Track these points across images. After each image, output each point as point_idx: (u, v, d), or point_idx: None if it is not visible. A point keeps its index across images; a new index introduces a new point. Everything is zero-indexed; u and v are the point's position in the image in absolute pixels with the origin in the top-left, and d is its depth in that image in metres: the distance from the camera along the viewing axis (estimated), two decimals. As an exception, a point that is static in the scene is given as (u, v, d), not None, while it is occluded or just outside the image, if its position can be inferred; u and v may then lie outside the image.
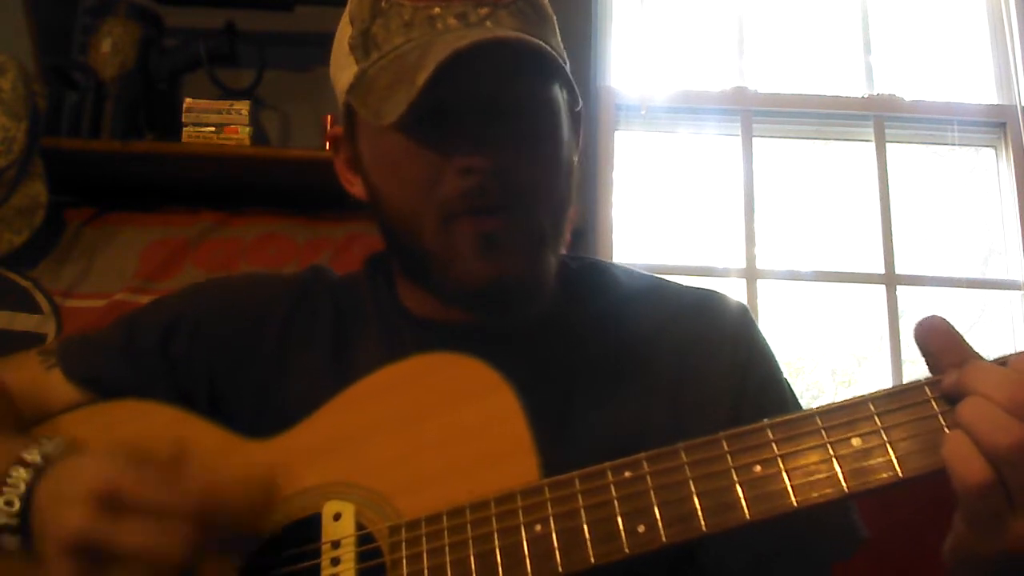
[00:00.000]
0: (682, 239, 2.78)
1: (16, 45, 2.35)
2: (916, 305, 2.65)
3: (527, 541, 0.71)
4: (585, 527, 0.70)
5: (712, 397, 0.95)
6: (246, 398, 0.98)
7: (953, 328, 0.66)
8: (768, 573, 0.91)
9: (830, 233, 2.79)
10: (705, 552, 0.89)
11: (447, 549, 0.74)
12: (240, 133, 2.31)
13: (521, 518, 0.72)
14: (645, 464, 0.70)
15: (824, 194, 2.85)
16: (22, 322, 2.26)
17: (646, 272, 1.09)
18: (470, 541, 0.73)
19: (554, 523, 0.71)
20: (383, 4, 0.89)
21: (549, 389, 0.91)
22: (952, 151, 2.83)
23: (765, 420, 0.69)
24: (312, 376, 0.97)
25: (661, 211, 2.80)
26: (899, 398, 0.66)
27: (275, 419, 0.90)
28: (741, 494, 0.66)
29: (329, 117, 2.29)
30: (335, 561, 0.78)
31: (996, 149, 2.79)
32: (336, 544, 0.79)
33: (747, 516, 0.66)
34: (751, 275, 2.64)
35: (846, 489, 0.64)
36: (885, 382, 2.41)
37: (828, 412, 0.68)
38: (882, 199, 2.69)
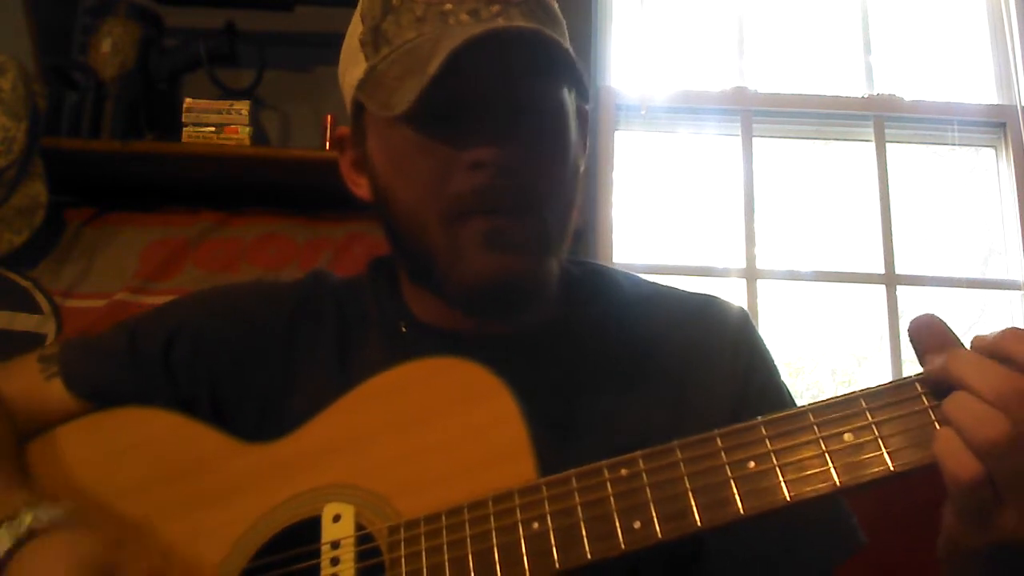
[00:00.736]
0: (682, 239, 2.78)
1: (16, 45, 2.36)
2: (916, 305, 2.65)
3: (524, 539, 0.71)
4: (582, 524, 0.70)
5: (713, 402, 0.95)
6: (249, 405, 0.98)
7: (946, 325, 0.67)
8: None
9: (830, 233, 2.79)
10: (706, 556, 0.89)
11: (445, 548, 0.74)
12: (240, 133, 2.32)
13: (519, 516, 0.73)
14: (641, 462, 0.71)
15: (824, 194, 2.85)
16: (22, 322, 2.27)
17: (646, 277, 1.09)
18: (468, 540, 0.74)
19: (551, 521, 0.71)
20: (394, 1, 0.89)
21: (552, 394, 0.91)
22: (952, 151, 2.83)
23: (759, 417, 0.69)
24: (316, 381, 0.97)
25: (661, 211, 2.81)
26: (890, 394, 0.67)
27: (279, 425, 0.91)
28: (735, 490, 0.67)
29: (329, 117, 2.30)
30: (334, 561, 0.79)
31: (996, 149, 2.80)
32: (336, 544, 0.79)
33: (741, 511, 0.66)
34: (751, 275, 2.64)
35: (838, 484, 0.65)
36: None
37: (820, 409, 0.68)
38: (882, 199, 2.69)
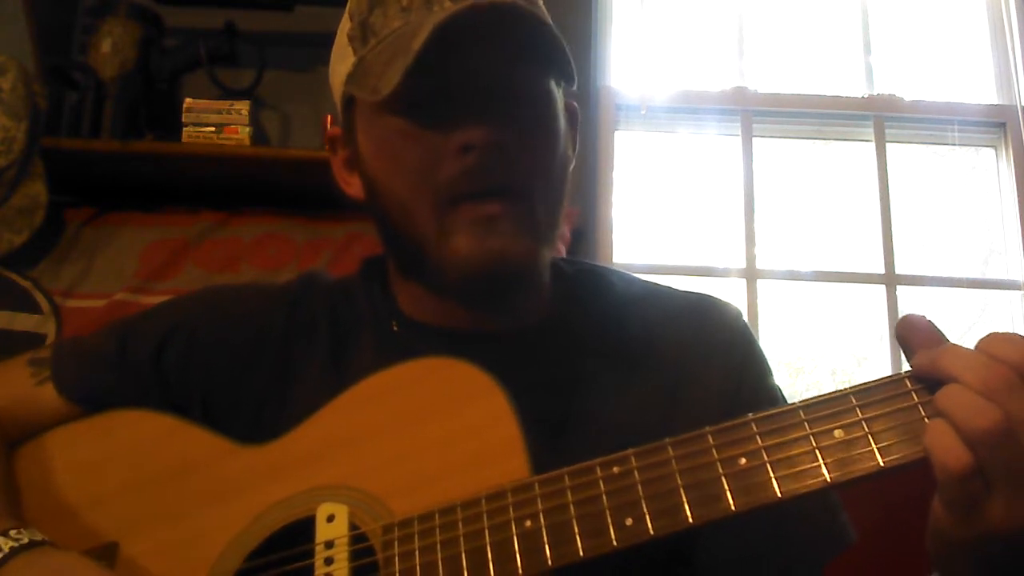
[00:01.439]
0: (682, 239, 2.78)
1: (16, 45, 2.36)
2: (916, 305, 2.65)
3: (517, 536, 0.72)
4: (574, 521, 0.70)
5: (706, 401, 0.95)
6: (243, 408, 0.98)
7: (933, 325, 0.67)
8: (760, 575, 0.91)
9: (830, 233, 2.79)
10: (698, 555, 0.90)
11: (439, 546, 0.74)
12: (240, 133, 2.32)
13: (511, 514, 0.73)
14: (633, 459, 0.71)
15: (824, 194, 2.85)
16: (22, 322, 2.27)
17: (646, 277, 1.09)
18: (461, 538, 0.74)
19: (544, 518, 0.71)
20: None
21: (544, 393, 0.91)
22: (952, 151, 2.83)
23: (750, 414, 0.70)
24: (310, 383, 0.97)
25: (661, 211, 2.81)
26: (880, 391, 0.67)
27: (273, 427, 0.91)
28: (727, 486, 0.67)
29: (329, 117, 2.29)
30: (328, 561, 0.79)
31: (996, 149, 2.80)
32: (330, 544, 0.79)
33: (732, 507, 0.66)
34: (751, 275, 2.64)
35: (829, 480, 0.65)
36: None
37: (811, 406, 0.68)
38: (882, 199, 2.69)
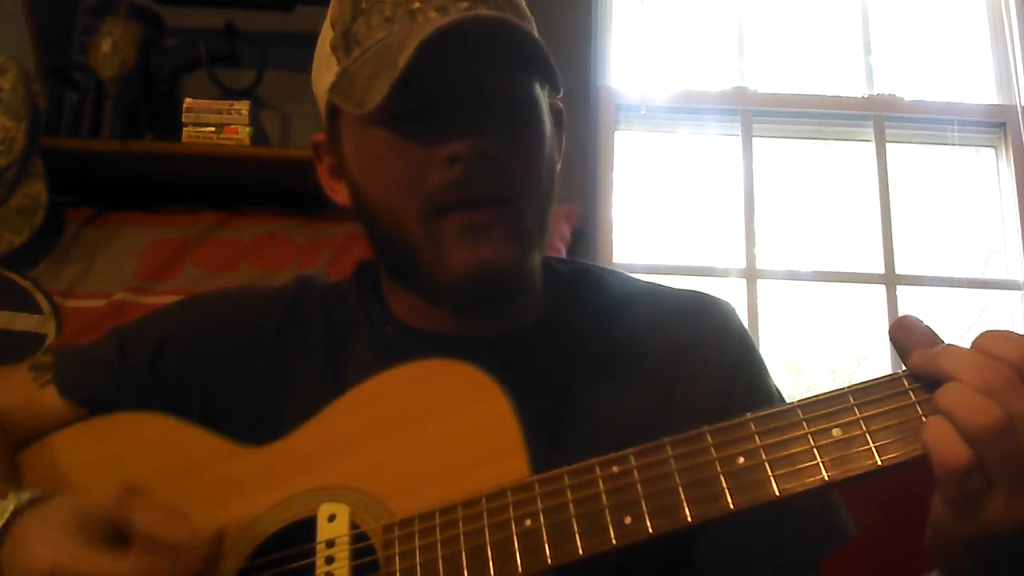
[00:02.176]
0: (682, 239, 2.78)
1: (16, 45, 2.36)
2: (916, 305, 2.65)
3: (517, 535, 0.72)
4: (573, 520, 0.70)
5: (702, 397, 0.95)
6: (240, 413, 0.99)
7: (927, 326, 0.68)
8: (758, 572, 0.91)
9: (830, 233, 2.79)
10: (697, 551, 0.90)
11: (439, 545, 0.75)
12: (240, 133, 2.32)
13: (511, 513, 0.73)
14: (632, 459, 0.71)
15: (824, 194, 2.85)
16: (22, 322, 2.27)
17: (646, 277, 1.09)
18: (461, 537, 0.74)
19: (543, 517, 0.72)
20: (363, 4, 0.89)
21: (540, 393, 0.91)
22: (952, 151, 2.83)
23: (748, 414, 0.70)
24: (307, 387, 0.98)
25: (661, 211, 2.81)
26: (878, 390, 0.68)
27: (270, 432, 0.91)
28: (725, 485, 0.67)
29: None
30: (329, 560, 0.79)
31: (996, 149, 2.80)
32: (331, 543, 0.79)
33: (731, 506, 0.67)
34: (751, 275, 2.64)
35: (827, 478, 0.65)
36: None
37: (809, 405, 0.69)
38: (882, 199, 2.69)
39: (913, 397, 0.66)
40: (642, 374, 0.97)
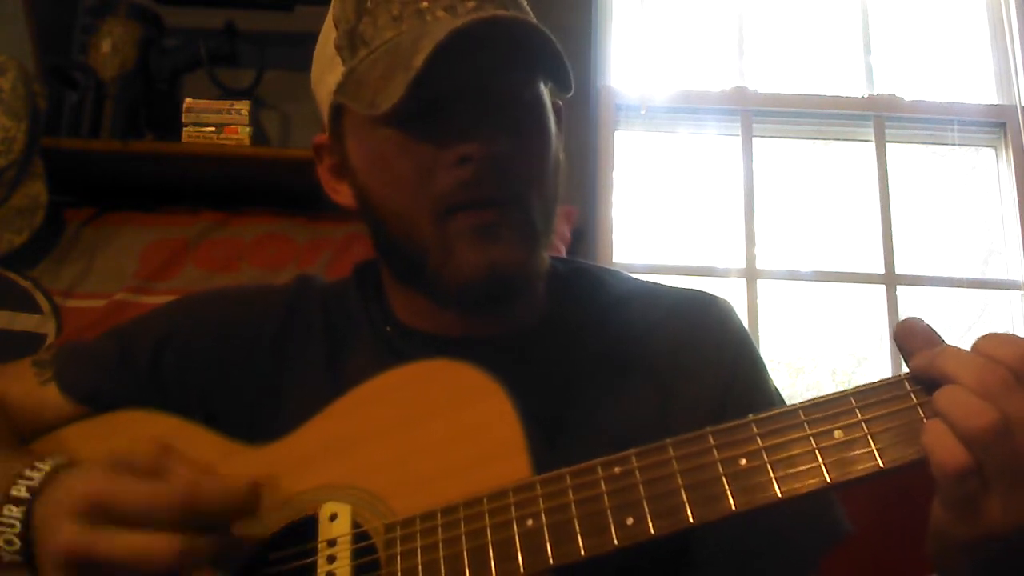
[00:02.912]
0: (682, 239, 2.78)
1: (16, 45, 2.36)
2: (916, 305, 2.65)
3: (519, 535, 0.72)
4: (575, 521, 0.70)
5: (702, 395, 0.95)
6: (240, 413, 0.98)
7: (931, 328, 0.68)
8: (757, 570, 0.91)
9: (830, 233, 2.79)
10: (697, 550, 0.90)
11: (441, 545, 0.75)
12: (240, 133, 2.32)
13: (513, 513, 0.73)
14: (634, 460, 0.71)
15: (824, 194, 2.85)
16: (22, 322, 2.27)
17: (646, 277, 1.10)
18: (463, 536, 0.74)
19: (545, 517, 0.72)
20: (368, 3, 0.89)
21: (541, 393, 0.91)
22: (952, 151, 2.83)
23: (750, 415, 0.70)
24: (306, 387, 0.98)
25: (661, 211, 2.81)
26: (879, 392, 0.68)
27: (271, 430, 0.91)
28: (727, 486, 0.68)
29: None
30: (331, 559, 0.79)
31: (996, 149, 2.80)
32: (332, 543, 0.79)
33: (733, 507, 0.67)
34: (751, 275, 2.64)
35: (828, 480, 0.66)
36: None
37: (811, 407, 0.69)
38: (882, 199, 2.69)
39: (915, 399, 0.66)
40: (642, 373, 0.97)
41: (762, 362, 1.02)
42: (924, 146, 2.87)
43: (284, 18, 2.49)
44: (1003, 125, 2.76)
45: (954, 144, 2.78)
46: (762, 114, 2.79)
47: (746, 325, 1.15)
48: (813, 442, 0.67)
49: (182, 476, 0.74)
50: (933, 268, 2.71)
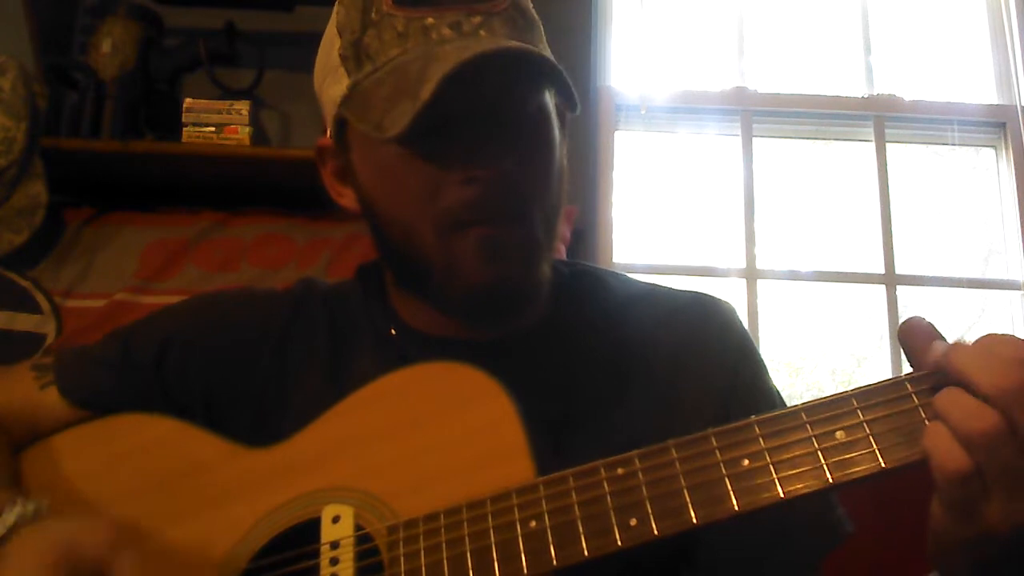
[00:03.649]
0: (682, 239, 2.78)
1: (16, 45, 2.36)
2: (916, 305, 2.65)
3: (522, 537, 0.72)
4: (579, 522, 0.71)
5: (704, 397, 0.96)
6: (243, 415, 0.99)
7: (935, 328, 0.68)
8: (759, 572, 0.92)
9: (830, 233, 2.79)
10: (699, 552, 0.90)
11: (444, 546, 0.75)
12: (240, 133, 2.31)
13: (516, 515, 0.73)
14: (637, 461, 0.72)
15: (824, 194, 2.85)
16: (22, 322, 2.27)
17: (646, 278, 1.10)
18: (466, 538, 0.74)
19: (548, 519, 0.72)
20: (373, 15, 0.88)
21: (543, 395, 0.91)
22: (952, 151, 2.83)
23: (752, 416, 0.70)
24: (310, 389, 0.98)
25: (661, 211, 2.81)
26: (881, 393, 0.68)
27: (274, 432, 0.91)
28: (730, 487, 0.68)
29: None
30: (334, 561, 0.79)
31: (996, 149, 2.80)
32: (335, 545, 0.80)
33: (736, 508, 0.67)
34: (751, 275, 2.64)
35: (831, 480, 0.66)
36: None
37: (812, 408, 0.69)
38: (882, 199, 2.69)
39: (916, 401, 0.67)
40: (644, 375, 0.97)
41: (764, 366, 1.02)
42: (924, 146, 2.87)
43: (284, 18, 2.49)
44: (1003, 125, 2.76)
45: (954, 144, 2.78)
46: (762, 114, 2.79)
47: (746, 325, 1.15)
48: (815, 443, 0.67)
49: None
50: (933, 268, 2.72)
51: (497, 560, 0.72)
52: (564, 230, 2.31)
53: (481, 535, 0.73)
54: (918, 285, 2.67)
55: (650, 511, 0.69)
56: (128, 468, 0.95)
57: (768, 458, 0.68)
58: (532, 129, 0.91)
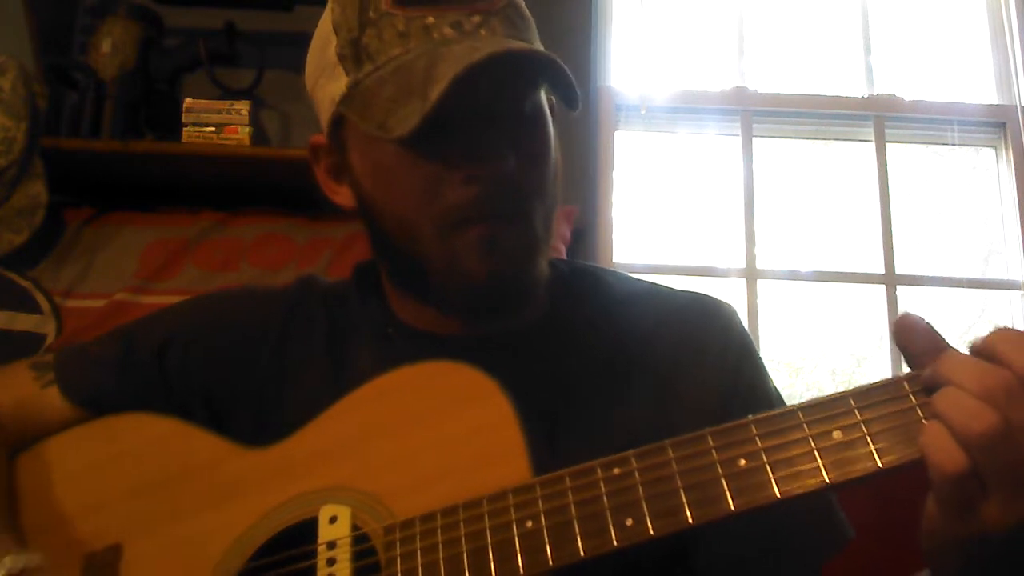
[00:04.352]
0: (682, 239, 2.78)
1: (16, 45, 2.36)
2: (916, 305, 2.65)
3: (518, 536, 0.72)
4: (575, 522, 0.71)
5: (703, 398, 0.95)
6: (243, 413, 0.99)
7: (930, 325, 0.68)
8: (758, 574, 0.91)
9: (830, 233, 2.79)
10: (697, 554, 0.90)
11: (440, 547, 0.75)
12: (240, 133, 2.32)
13: (513, 515, 0.73)
14: (633, 461, 0.71)
15: (824, 194, 2.85)
16: (22, 322, 2.27)
17: (646, 277, 1.09)
18: (463, 538, 0.74)
19: (545, 519, 0.72)
20: (371, 14, 0.87)
21: (540, 394, 0.91)
22: (952, 151, 2.83)
23: (749, 416, 0.70)
24: (309, 388, 0.98)
25: (661, 211, 2.81)
26: (878, 393, 0.68)
27: (274, 431, 0.91)
28: (726, 487, 0.68)
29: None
30: (331, 561, 0.79)
31: (996, 149, 2.80)
32: (332, 545, 0.80)
33: (732, 508, 0.67)
34: (751, 275, 2.64)
35: (827, 480, 0.66)
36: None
37: (810, 407, 0.69)
38: (882, 199, 2.69)
39: (914, 400, 0.66)
40: (642, 374, 0.97)
41: (764, 367, 1.02)
42: (924, 146, 2.87)
43: (284, 18, 2.49)
44: (1003, 125, 2.76)
45: (954, 144, 2.78)
46: (762, 114, 2.79)
47: (746, 325, 1.15)
48: (812, 443, 0.67)
49: None
50: (933, 268, 2.71)
51: (493, 560, 0.72)
52: (564, 230, 2.32)
53: (478, 535, 0.73)
54: (918, 285, 2.67)
55: (646, 511, 0.69)
56: (126, 468, 0.95)
57: (765, 458, 0.68)
58: (531, 128, 0.92)
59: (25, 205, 2.22)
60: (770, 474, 0.67)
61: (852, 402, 0.68)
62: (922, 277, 2.67)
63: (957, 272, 2.72)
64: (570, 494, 0.72)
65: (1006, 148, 2.74)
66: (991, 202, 2.78)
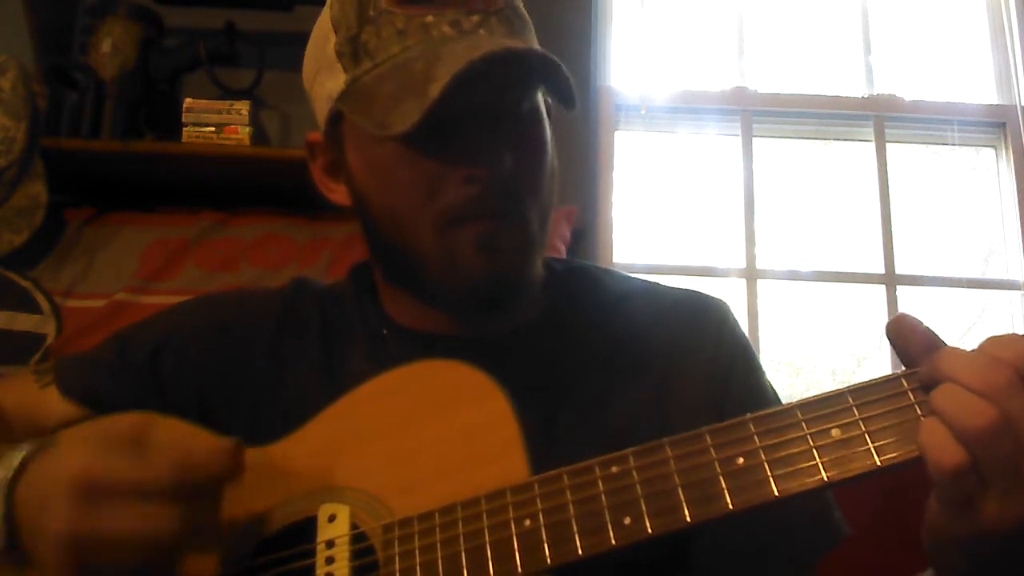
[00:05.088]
0: (682, 239, 2.78)
1: (16, 45, 2.36)
2: (916, 305, 2.65)
3: (516, 535, 0.72)
4: (573, 520, 0.70)
5: (698, 395, 0.96)
6: (238, 415, 0.99)
7: (924, 325, 0.68)
8: (755, 571, 0.91)
9: (830, 233, 2.79)
10: (695, 552, 0.90)
11: (439, 545, 0.75)
12: (240, 133, 2.32)
13: (511, 513, 0.73)
14: (631, 459, 0.71)
15: (824, 194, 2.85)
16: (22, 322, 2.26)
17: (645, 277, 1.10)
18: (461, 537, 0.74)
19: (543, 517, 0.72)
20: (370, 12, 0.88)
21: (536, 393, 0.91)
22: (952, 151, 2.83)
23: (747, 414, 0.70)
24: (304, 389, 0.98)
25: (661, 211, 2.81)
26: (876, 390, 0.67)
27: (269, 432, 0.91)
28: (724, 485, 0.67)
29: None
30: (329, 560, 0.79)
31: (996, 149, 2.80)
32: (330, 544, 0.80)
33: (730, 506, 0.67)
34: (751, 275, 2.64)
35: (826, 478, 0.65)
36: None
37: (808, 405, 0.69)
38: (882, 199, 2.69)
39: (912, 398, 0.66)
40: (638, 372, 0.97)
41: (760, 364, 1.02)
42: (924, 146, 2.87)
43: (284, 18, 2.49)
44: (1003, 125, 2.76)
45: (954, 144, 2.78)
46: (762, 114, 2.79)
47: (746, 325, 1.15)
48: (810, 441, 0.67)
49: (168, 443, 0.73)
50: (933, 268, 2.71)
51: (492, 559, 0.72)
52: (564, 230, 2.32)
53: (476, 534, 0.73)
54: (918, 285, 2.67)
55: (644, 510, 0.68)
56: None
57: (763, 456, 0.67)
58: (529, 128, 0.92)
59: (25, 205, 2.22)
60: (768, 473, 0.67)
61: (850, 399, 0.68)
62: (922, 277, 2.67)
63: (957, 272, 2.72)
64: (568, 493, 0.72)
65: (1006, 148, 2.74)
66: (991, 202, 2.78)
